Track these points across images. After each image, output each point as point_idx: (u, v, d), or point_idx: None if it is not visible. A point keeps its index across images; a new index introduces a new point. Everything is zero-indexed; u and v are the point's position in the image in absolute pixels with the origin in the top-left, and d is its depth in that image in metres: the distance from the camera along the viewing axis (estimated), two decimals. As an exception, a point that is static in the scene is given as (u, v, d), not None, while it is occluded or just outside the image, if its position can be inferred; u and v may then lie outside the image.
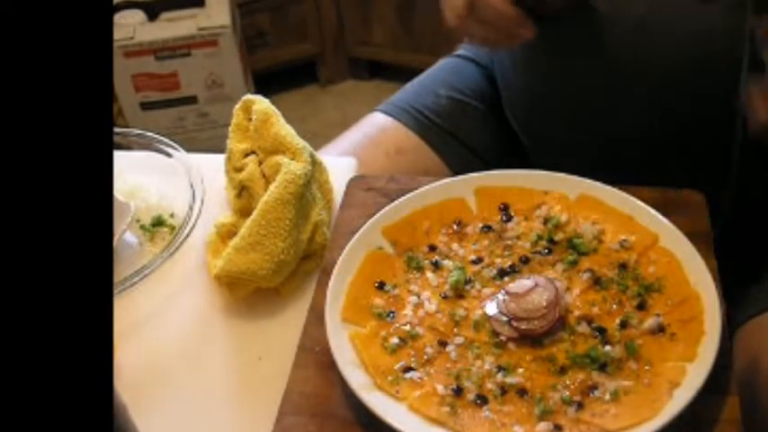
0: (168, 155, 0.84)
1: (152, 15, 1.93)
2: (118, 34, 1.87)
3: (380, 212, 0.72)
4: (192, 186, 0.79)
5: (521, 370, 0.62)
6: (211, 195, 0.80)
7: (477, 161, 0.97)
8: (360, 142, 0.95)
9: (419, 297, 0.68)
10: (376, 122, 0.99)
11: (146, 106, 1.98)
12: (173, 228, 0.78)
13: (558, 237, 0.71)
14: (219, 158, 0.81)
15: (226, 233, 0.75)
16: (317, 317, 0.66)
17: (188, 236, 0.75)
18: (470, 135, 0.98)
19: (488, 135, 0.99)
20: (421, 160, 0.96)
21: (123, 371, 0.67)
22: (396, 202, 0.73)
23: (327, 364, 0.63)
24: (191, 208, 0.77)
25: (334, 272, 0.68)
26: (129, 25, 1.90)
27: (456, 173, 0.92)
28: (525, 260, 0.70)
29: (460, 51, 1.06)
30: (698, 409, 0.57)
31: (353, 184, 0.80)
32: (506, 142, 0.99)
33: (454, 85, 1.01)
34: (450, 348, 0.64)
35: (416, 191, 0.74)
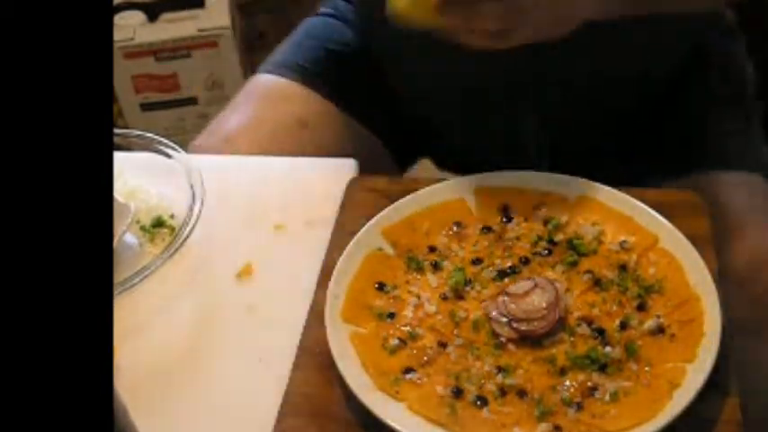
0: (168, 156, 0.84)
1: (152, 16, 1.92)
2: (118, 35, 1.87)
3: (380, 214, 0.72)
4: (191, 187, 0.79)
5: (520, 371, 0.62)
6: (211, 196, 0.80)
7: (365, 101, 0.99)
8: (262, 113, 0.96)
9: (419, 298, 0.68)
10: (265, 83, 1.00)
11: (146, 107, 1.98)
12: (173, 229, 0.78)
13: (558, 238, 0.71)
14: (219, 159, 0.81)
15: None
16: (317, 318, 0.66)
17: (188, 237, 0.75)
18: (348, 77, 1.00)
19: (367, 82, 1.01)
20: (309, 108, 0.97)
21: (123, 372, 0.67)
22: (396, 203, 0.73)
23: (327, 365, 0.63)
24: (190, 209, 0.77)
25: (335, 273, 0.68)
26: (130, 26, 1.90)
27: (347, 112, 0.97)
28: (525, 261, 0.70)
29: (323, 10, 1.08)
30: (698, 410, 0.57)
31: (353, 185, 0.80)
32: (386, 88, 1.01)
33: (329, 38, 1.03)
34: (449, 349, 0.64)
35: (416, 192, 0.74)
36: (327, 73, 1.00)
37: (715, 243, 0.72)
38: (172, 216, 0.80)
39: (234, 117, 0.96)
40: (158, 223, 0.79)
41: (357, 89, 1.01)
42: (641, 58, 0.89)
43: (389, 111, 1.02)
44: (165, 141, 0.84)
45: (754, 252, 0.80)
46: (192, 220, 0.76)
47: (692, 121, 0.94)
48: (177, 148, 0.84)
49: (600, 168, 0.86)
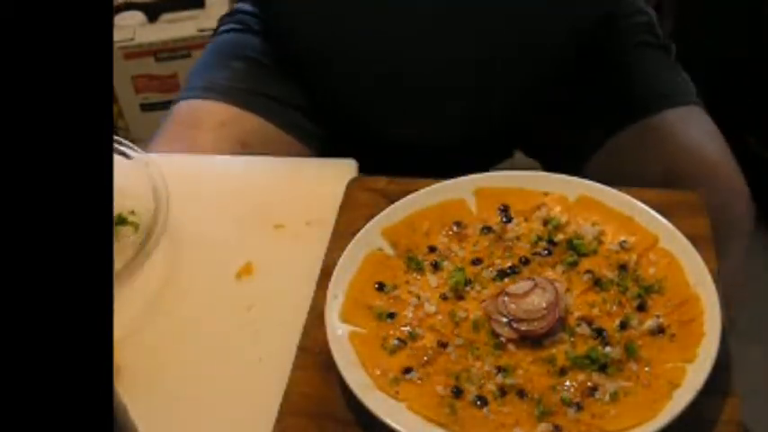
0: (127, 156, 0.81)
1: (152, 17, 1.93)
2: (118, 35, 1.87)
3: (380, 214, 0.72)
4: (155, 190, 0.76)
5: (520, 371, 0.62)
6: (211, 196, 0.79)
7: (293, 111, 1.00)
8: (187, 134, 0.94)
9: (419, 298, 0.68)
10: (195, 109, 0.98)
11: (146, 107, 1.99)
12: (135, 226, 0.77)
13: (558, 238, 0.71)
14: (219, 159, 0.81)
15: None
16: (317, 318, 0.66)
17: (158, 238, 0.73)
18: (273, 88, 1.00)
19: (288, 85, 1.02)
20: (246, 128, 0.96)
21: (123, 372, 0.67)
22: (396, 203, 0.73)
23: (327, 365, 0.63)
24: (156, 209, 0.74)
25: (335, 273, 0.68)
26: (130, 26, 1.90)
27: (283, 128, 0.97)
28: (525, 261, 0.70)
29: (228, 26, 1.08)
30: (698, 410, 0.57)
31: (353, 185, 0.80)
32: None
33: (239, 53, 1.03)
34: (449, 349, 0.64)
35: (416, 192, 0.74)
36: (255, 87, 0.99)
37: (684, 182, 0.85)
38: (132, 212, 0.78)
39: (174, 148, 0.93)
40: (120, 221, 0.78)
41: (285, 99, 1.00)
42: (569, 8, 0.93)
43: (317, 117, 1.01)
44: (124, 141, 0.82)
45: (731, 194, 0.90)
46: (161, 222, 0.74)
47: (626, 69, 1.01)
48: (135, 147, 0.82)
49: (543, 134, 1.01)
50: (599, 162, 0.97)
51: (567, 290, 0.67)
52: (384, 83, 0.95)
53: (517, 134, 1.10)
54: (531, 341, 0.64)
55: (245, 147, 0.93)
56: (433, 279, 0.69)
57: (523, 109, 1.02)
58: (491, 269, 0.69)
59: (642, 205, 0.70)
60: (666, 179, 0.90)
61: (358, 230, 0.71)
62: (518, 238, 0.72)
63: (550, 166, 1.08)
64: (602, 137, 0.97)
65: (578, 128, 1.01)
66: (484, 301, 0.67)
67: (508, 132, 1.08)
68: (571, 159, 0.99)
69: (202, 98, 0.97)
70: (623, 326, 0.64)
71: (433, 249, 0.72)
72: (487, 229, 0.73)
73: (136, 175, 0.79)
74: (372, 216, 0.72)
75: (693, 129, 0.95)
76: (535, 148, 1.12)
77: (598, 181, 0.72)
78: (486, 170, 1.11)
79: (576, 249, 0.70)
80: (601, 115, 0.99)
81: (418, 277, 0.70)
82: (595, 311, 0.65)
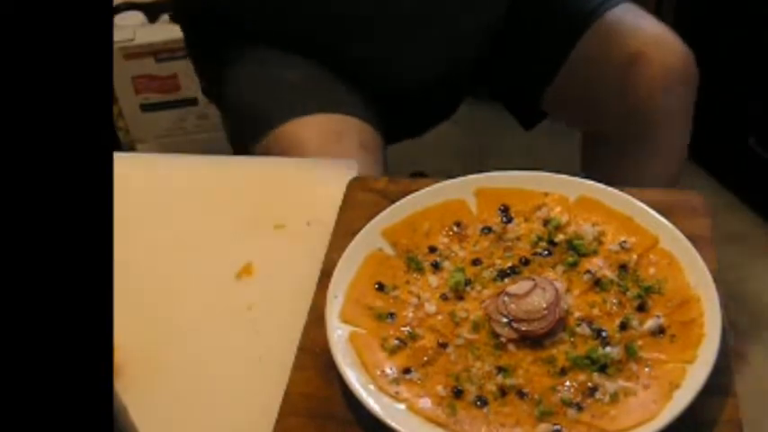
0: None
1: (152, 17, 1.92)
2: (118, 36, 1.87)
3: (381, 214, 0.72)
4: None
5: (521, 371, 0.62)
6: (211, 196, 0.79)
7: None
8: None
9: (419, 298, 0.68)
10: (288, 133, 0.97)
11: (146, 108, 1.98)
12: None
13: (559, 238, 0.71)
14: (219, 159, 0.80)
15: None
16: (317, 318, 0.66)
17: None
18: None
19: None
20: (354, 130, 0.97)
21: (123, 370, 0.67)
22: (396, 203, 0.73)
23: (327, 366, 0.63)
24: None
25: (335, 273, 0.68)
26: (129, 27, 1.90)
27: (356, 116, 0.98)
28: (525, 261, 0.70)
29: None
30: (698, 411, 0.57)
31: (353, 185, 0.80)
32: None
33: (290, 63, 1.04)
34: (450, 350, 0.64)
35: (416, 192, 0.74)
36: (338, 92, 1.01)
37: (642, 59, 1.01)
38: None
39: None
40: None
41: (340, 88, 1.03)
42: None
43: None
44: None
45: (678, 53, 1.03)
46: None
47: None
48: None
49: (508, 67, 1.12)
50: (563, 81, 1.08)
51: (568, 290, 0.67)
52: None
53: (476, 74, 1.17)
54: (532, 341, 0.64)
55: (366, 150, 0.95)
56: (433, 279, 0.69)
57: (474, 53, 1.11)
58: (491, 269, 0.69)
59: (642, 205, 0.70)
60: (630, 68, 1.02)
61: (358, 230, 0.71)
62: (518, 239, 0.72)
63: (513, 101, 1.22)
64: (559, 58, 1.08)
65: (533, 57, 1.11)
66: (484, 301, 0.67)
67: (468, 73, 1.16)
68: (534, 87, 1.12)
69: (290, 120, 0.96)
70: (623, 326, 0.64)
71: (433, 250, 0.72)
72: (488, 230, 0.73)
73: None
74: (372, 216, 0.72)
75: (637, 18, 1.07)
76: (498, 86, 1.20)
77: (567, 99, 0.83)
78: (456, 109, 1.21)
79: (576, 250, 0.70)
80: (551, 39, 1.09)
81: (418, 277, 0.70)
82: (595, 312, 0.65)
